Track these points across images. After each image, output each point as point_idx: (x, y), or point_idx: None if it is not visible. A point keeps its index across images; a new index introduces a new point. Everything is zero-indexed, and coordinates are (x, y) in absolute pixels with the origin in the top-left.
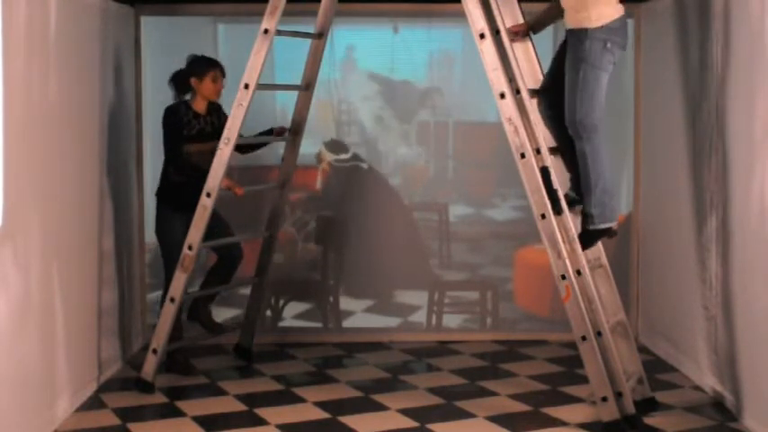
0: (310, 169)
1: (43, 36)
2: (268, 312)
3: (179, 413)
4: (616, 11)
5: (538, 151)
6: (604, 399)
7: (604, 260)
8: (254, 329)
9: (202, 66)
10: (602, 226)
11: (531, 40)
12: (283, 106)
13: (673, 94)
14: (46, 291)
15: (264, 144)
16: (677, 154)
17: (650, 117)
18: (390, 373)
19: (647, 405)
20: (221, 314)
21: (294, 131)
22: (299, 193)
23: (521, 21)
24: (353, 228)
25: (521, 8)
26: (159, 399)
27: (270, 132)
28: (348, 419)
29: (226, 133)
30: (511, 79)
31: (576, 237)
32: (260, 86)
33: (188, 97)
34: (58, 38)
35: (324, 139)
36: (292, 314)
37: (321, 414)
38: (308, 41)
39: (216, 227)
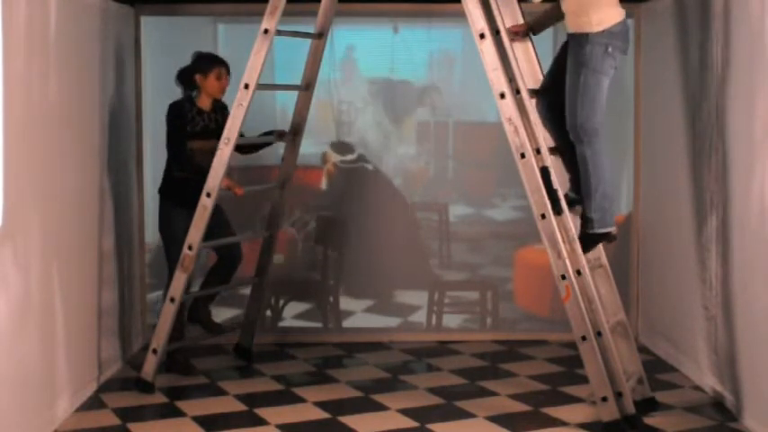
0: (309, 169)
1: (43, 36)
2: (268, 312)
3: (179, 413)
4: (617, 15)
5: (538, 151)
6: (604, 399)
7: (604, 260)
8: (254, 329)
9: (207, 63)
10: (602, 231)
11: (531, 40)
12: (283, 106)
13: (673, 94)
14: (46, 291)
15: (264, 145)
16: (677, 154)
17: (650, 117)
18: (390, 373)
19: (647, 405)
20: (221, 314)
21: (294, 131)
22: (304, 194)
23: (521, 21)
24: (354, 228)
25: (521, 8)
26: (159, 399)
27: (270, 134)
28: (348, 419)
29: (226, 133)
30: (511, 79)
31: (575, 237)
32: (260, 86)
33: (194, 94)
34: (58, 38)
35: (328, 140)
36: (292, 314)
37: (321, 414)
38: (308, 41)
39: (217, 226)
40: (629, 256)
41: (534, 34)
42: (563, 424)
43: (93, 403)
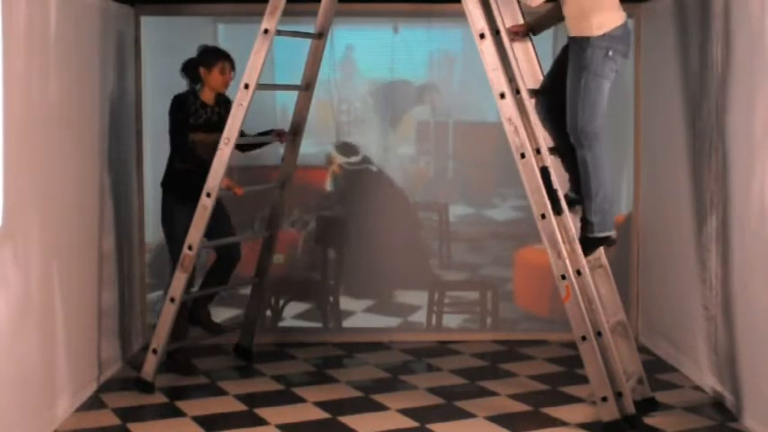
0: (310, 169)
1: (43, 36)
2: (268, 312)
3: (179, 413)
4: (618, 19)
5: (538, 151)
6: (604, 399)
7: (604, 260)
8: (254, 329)
9: (212, 56)
10: (602, 234)
11: (532, 40)
12: (283, 106)
13: (673, 94)
14: (46, 291)
15: (265, 144)
16: (677, 154)
17: (650, 117)
18: (390, 373)
19: (647, 405)
20: (221, 314)
21: (294, 131)
22: (305, 194)
23: (521, 21)
24: (354, 228)
25: (521, 8)
26: (159, 399)
27: (268, 133)
28: (348, 419)
29: (226, 133)
30: (511, 79)
31: (575, 237)
32: (260, 86)
33: (197, 87)
34: (58, 38)
35: (328, 140)
36: (292, 314)
37: (321, 414)
38: (308, 41)
39: (218, 225)
40: (629, 256)
41: (534, 34)
42: (563, 424)
43: (93, 403)
